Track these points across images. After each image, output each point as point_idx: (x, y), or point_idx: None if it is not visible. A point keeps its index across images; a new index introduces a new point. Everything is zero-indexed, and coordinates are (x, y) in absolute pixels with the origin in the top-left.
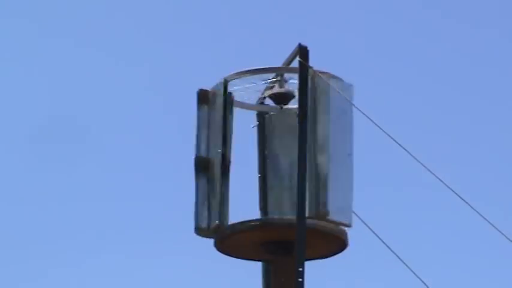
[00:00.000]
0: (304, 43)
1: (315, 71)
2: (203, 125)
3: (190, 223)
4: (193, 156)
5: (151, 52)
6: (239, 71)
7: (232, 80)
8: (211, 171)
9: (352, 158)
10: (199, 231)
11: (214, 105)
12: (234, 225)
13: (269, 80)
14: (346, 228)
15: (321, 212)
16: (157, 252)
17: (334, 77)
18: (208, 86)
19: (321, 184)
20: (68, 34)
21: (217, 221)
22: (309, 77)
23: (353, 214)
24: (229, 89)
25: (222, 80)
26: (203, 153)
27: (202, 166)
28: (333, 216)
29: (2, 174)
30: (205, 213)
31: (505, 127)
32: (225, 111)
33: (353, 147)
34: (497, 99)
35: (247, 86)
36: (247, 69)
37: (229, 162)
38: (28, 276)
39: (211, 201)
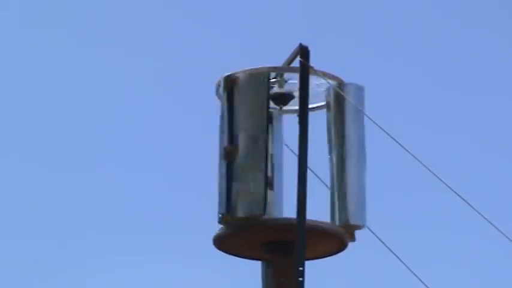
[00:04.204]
0: (304, 43)
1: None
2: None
3: (191, 223)
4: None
5: (151, 52)
6: (238, 70)
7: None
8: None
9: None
10: (221, 219)
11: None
12: (234, 224)
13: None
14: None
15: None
16: (157, 252)
17: (324, 72)
18: (208, 86)
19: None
20: (67, 32)
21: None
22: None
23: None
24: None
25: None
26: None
27: (229, 155)
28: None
29: (2, 174)
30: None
31: (505, 126)
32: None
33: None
34: (498, 98)
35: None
36: (246, 69)
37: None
38: (28, 278)
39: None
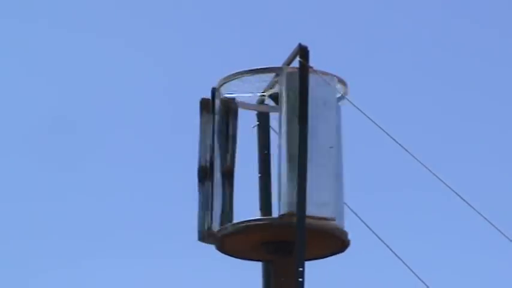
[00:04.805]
0: (304, 43)
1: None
2: (206, 132)
3: (191, 223)
4: (196, 162)
5: (152, 51)
6: (239, 71)
7: (232, 80)
8: (214, 177)
9: (336, 150)
10: (202, 238)
11: (215, 110)
12: (234, 225)
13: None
14: (345, 228)
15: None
16: (158, 253)
17: (323, 72)
18: (208, 86)
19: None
20: (67, 31)
21: (218, 228)
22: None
23: (352, 214)
24: (229, 89)
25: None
26: (205, 161)
27: (204, 175)
28: (313, 211)
29: (2, 173)
30: (208, 219)
31: (505, 125)
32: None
33: (339, 139)
34: (497, 98)
35: (247, 85)
36: (247, 69)
37: (233, 168)
38: (27, 278)
39: (214, 207)
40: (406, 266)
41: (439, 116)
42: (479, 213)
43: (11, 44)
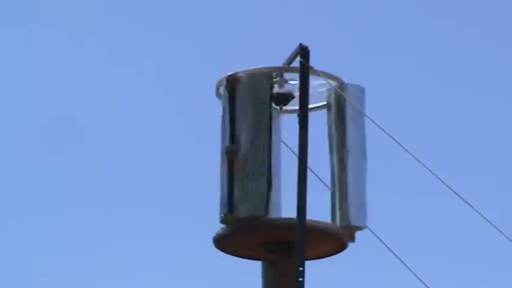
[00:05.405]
0: (304, 43)
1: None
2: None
3: (191, 223)
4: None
5: (151, 52)
6: (239, 70)
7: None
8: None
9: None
10: (223, 219)
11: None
12: (235, 224)
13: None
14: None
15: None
16: (157, 252)
17: (324, 73)
18: (208, 86)
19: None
20: (67, 32)
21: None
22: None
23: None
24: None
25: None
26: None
27: (228, 156)
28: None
29: (1, 174)
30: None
31: (505, 125)
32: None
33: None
34: (497, 97)
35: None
36: (247, 69)
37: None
38: (32, 278)
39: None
40: (406, 266)
41: (440, 116)
42: (479, 213)
43: (13, 44)
